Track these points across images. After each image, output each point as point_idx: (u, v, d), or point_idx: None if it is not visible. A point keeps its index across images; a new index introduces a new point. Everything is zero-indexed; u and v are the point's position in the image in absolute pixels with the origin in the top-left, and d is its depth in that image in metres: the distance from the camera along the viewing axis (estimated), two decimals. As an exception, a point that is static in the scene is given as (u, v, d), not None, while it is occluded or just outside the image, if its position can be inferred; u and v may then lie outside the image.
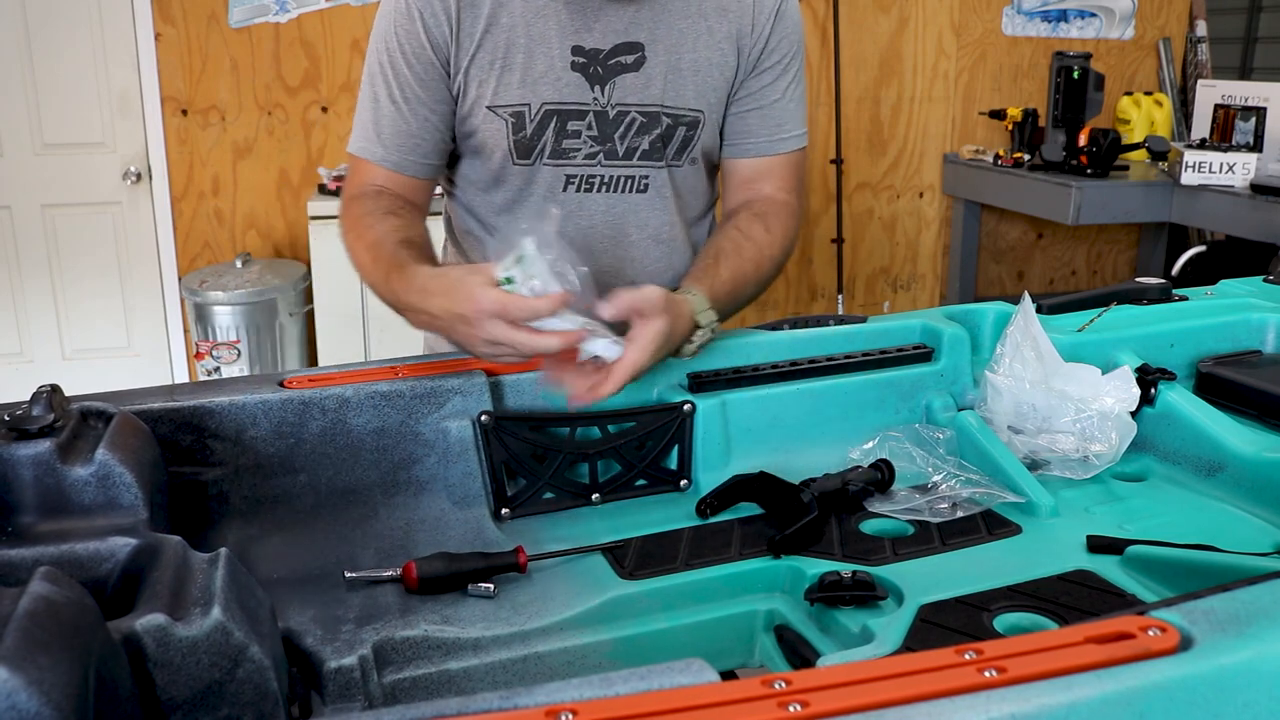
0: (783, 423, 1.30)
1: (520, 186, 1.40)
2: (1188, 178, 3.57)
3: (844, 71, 4.27)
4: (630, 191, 1.42)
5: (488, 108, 1.34)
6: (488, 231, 1.46)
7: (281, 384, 1.16)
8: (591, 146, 1.38)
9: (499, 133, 1.36)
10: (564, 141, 1.37)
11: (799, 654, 0.96)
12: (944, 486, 1.19)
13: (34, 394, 0.94)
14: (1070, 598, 0.97)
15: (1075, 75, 3.88)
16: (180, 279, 3.80)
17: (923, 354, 1.38)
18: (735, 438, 1.27)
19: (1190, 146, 3.67)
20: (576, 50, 1.33)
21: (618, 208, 1.42)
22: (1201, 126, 3.94)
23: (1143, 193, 3.75)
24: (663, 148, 1.41)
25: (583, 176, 1.39)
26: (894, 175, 4.53)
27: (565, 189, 1.39)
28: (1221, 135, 3.86)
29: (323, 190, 3.62)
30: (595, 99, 1.35)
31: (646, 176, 1.42)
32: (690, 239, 1.52)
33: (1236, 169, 3.49)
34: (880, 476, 1.19)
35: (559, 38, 1.33)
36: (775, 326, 1.43)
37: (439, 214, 1.58)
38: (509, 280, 1.05)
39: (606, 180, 1.40)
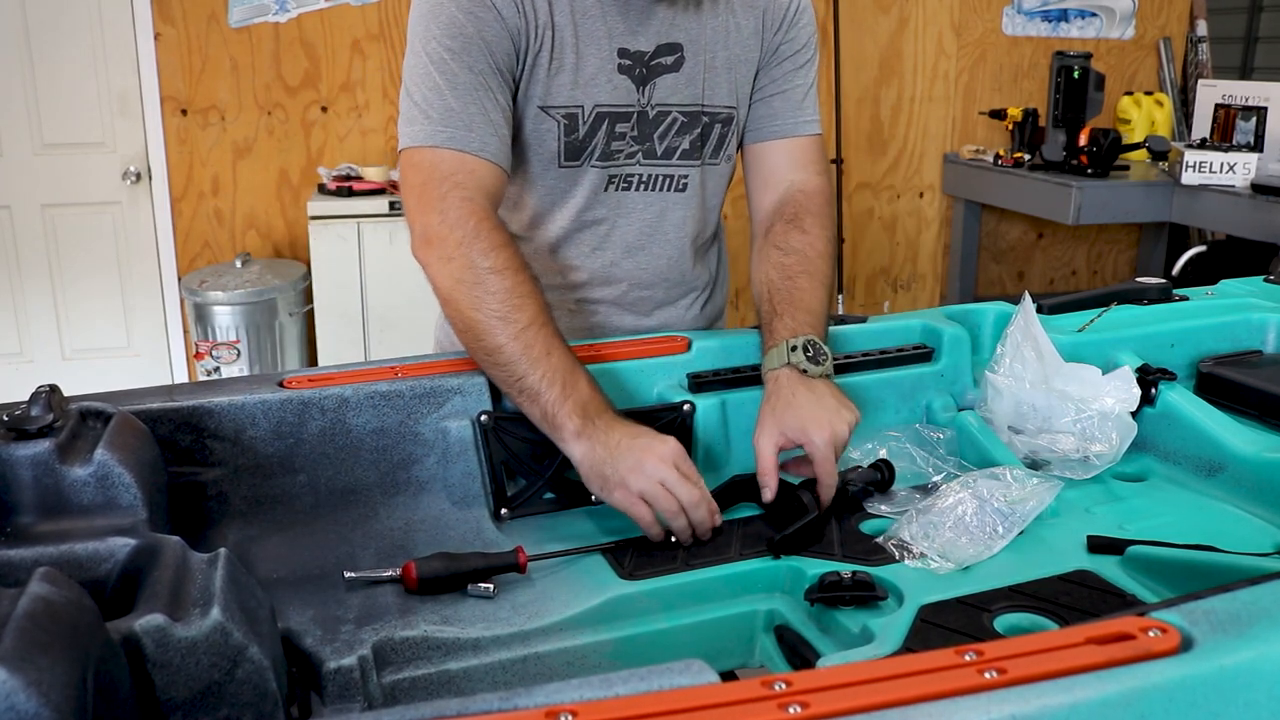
0: (783, 423, 1.29)
1: (563, 189, 1.38)
2: (1188, 178, 3.56)
3: (844, 71, 4.26)
4: (669, 190, 1.42)
5: (539, 108, 1.32)
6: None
7: (281, 384, 1.16)
8: (632, 146, 1.37)
9: (549, 134, 1.33)
10: (613, 144, 1.36)
11: (799, 654, 0.96)
12: (944, 487, 1.19)
13: (33, 394, 0.94)
14: (1070, 598, 0.96)
15: (1075, 75, 3.87)
16: (180, 279, 3.80)
17: (923, 354, 1.38)
18: (735, 438, 1.27)
19: (1191, 146, 3.66)
20: (623, 52, 1.32)
21: (655, 206, 1.42)
22: (1202, 126, 3.94)
23: (1143, 193, 3.74)
24: (701, 147, 1.41)
25: (623, 175, 1.39)
26: (894, 175, 4.53)
27: (607, 189, 1.39)
28: (1222, 135, 3.85)
29: (323, 190, 3.61)
30: (638, 100, 1.35)
31: (685, 176, 1.42)
32: (714, 231, 1.55)
33: (1237, 169, 3.49)
34: (880, 476, 1.19)
35: (607, 39, 1.31)
36: (775, 326, 1.42)
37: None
38: None
39: (645, 179, 1.40)
